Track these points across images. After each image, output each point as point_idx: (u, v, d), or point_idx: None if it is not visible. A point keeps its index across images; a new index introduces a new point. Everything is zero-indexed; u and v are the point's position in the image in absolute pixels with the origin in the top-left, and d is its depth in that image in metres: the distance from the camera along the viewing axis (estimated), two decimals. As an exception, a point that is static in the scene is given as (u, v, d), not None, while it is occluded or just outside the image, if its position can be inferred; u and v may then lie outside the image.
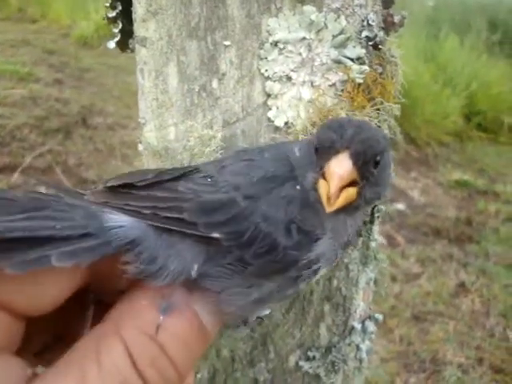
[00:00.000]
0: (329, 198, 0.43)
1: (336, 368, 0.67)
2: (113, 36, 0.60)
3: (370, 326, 0.68)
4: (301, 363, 0.66)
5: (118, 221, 0.42)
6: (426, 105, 4.46)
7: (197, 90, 0.56)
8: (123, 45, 0.61)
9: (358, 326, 0.66)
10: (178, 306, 0.42)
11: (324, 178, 0.44)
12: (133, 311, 0.41)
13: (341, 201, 0.43)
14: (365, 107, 0.53)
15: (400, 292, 2.84)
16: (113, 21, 0.59)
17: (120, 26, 0.58)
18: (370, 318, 0.69)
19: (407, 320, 2.60)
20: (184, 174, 0.47)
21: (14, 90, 4.53)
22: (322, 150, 0.45)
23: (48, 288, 0.39)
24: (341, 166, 0.43)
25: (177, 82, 0.57)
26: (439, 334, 2.53)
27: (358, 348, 0.67)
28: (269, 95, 0.56)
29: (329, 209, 0.43)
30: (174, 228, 0.42)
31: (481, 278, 2.96)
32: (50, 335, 0.47)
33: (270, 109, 0.56)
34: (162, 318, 0.40)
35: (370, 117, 0.53)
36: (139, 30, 0.56)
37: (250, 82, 0.56)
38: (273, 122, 0.56)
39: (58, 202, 0.41)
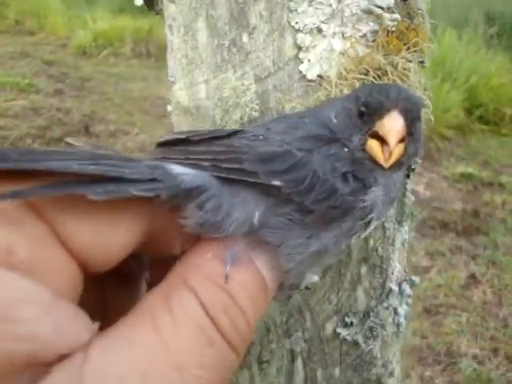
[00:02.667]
0: (384, 155, 0.46)
1: (374, 334, 0.65)
2: (140, -6, 0.59)
3: (407, 289, 0.66)
4: (338, 330, 0.65)
5: (182, 170, 0.42)
6: (427, 99, 4.46)
7: (227, 45, 0.55)
8: (150, 3, 0.59)
9: (396, 289, 0.65)
10: (242, 259, 0.41)
11: (374, 138, 0.47)
12: (198, 263, 0.41)
13: (395, 156, 0.46)
14: (400, 51, 0.53)
15: (411, 286, 2.83)
16: (140, -23, 0.58)
17: (148, -18, 0.57)
18: (406, 280, 0.67)
19: (419, 313, 2.59)
20: (233, 133, 0.49)
21: (15, 101, 4.57)
22: (370, 112, 0.47)
23: (118, 232, 0.38)
24: (395, 122, 0.45)
25: (206, 37, 0.55)
26: (452, 327, 2.52)
27: (395, 312, 0.66)
28: (300, 48, 0.55)
29: (386, 164, 0.46)
30: (236, 177, 0.43)
31: (491, 269, 2.96)
32: (99, 304, 0.46)
33: (302, 62, 0.55)
34: (228, 268, 0.40)
35: (409, 60, 0.53)
36: (167, -16, 0.55)
37: (281, 36, 0.55)
38: (305, 75, 0.55)
39: (119, 155, 0.41)
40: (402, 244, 0.65)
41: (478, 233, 3.34)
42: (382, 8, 0.53)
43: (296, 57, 0.56)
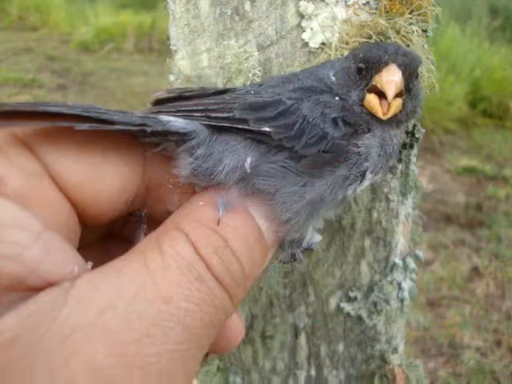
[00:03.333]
0: (383, 108, 0.46)
1: (378, 308, 0.65)
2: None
3: (411, 263, 0.66)
4: (342, 305, 0.64)
5: (173, 119, 0.43)
6: (430, 93, 4.45)
7: (229, 13, 0.55)
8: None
9: (400, 263, 0.64)
10: (235, 206, 0.42)
11: (372, 93, 0.47)
12: (191, 210, 0.41)
13: (394, 109, 0.46)
14: (403, 14, 0.52)
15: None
16: None
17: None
18: (410, 254, 0.67)
19: (423, 306, 2.58)
20: (226, 90, 0.50)
21: (18, 96, 4.58)
22: (368, 67, 0.48)
23: (108, 174, 0.39)
24: (394, 75, 0.45)
25: (208, 5, 0.55)
26: (455, 319, 2.52)
27: (399, 287, 0.65)
28: (302, 16, 0.55)
29: (384, 116, 0.46)
30: (226, 125, 0.44)
31: (494, 262, 2.94)
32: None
33: (304, 31, 0.55)
34: (221, 213, 0.40)
35: (412, 23, 0.52)
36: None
37: (283, 4, 0.55)
38: (307, 43, 0.55)
39: (110, 110, 0.42)
40: (406, 217, 0.64)
41: (481, 226, 3.32)
42: (384, -25, 0.53)
43: (299, 25, 0.56)
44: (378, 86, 0.46)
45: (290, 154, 0.44)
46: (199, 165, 0.43)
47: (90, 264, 0.37)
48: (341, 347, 0.66)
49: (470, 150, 4.44)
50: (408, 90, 0.47)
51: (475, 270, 2.93)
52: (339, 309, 0.65)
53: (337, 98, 0.48)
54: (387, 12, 0.52)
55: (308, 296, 0.64)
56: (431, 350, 2.39)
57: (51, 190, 0.36)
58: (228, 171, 0.43)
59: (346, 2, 0.54)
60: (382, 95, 0.46)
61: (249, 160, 0.43)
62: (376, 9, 0.54)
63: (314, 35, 0.54)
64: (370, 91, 0.47)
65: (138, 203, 0.44)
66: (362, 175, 0.47)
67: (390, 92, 0.45)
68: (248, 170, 0.43)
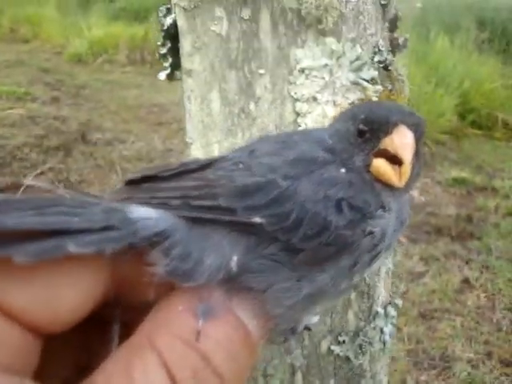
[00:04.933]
0: (396, 173, 0.41)
1: (363, 350, 0.75)
2: (164, 69, 0.69)
3: (392, 311, 0.76)
4: (332, 347, 0.74)
5: (143, 212, 0.36)
6: (420, 105, 4.52)
7: (236, 112, 0.66)
8: (171, 76, 0.70)
9: (381, 311, 0.75)
10: (218, 310, 0.35)
11: (380, 157, 0.42)
12: (167, 319, 0.35)
13: (407, 174, 0.41)
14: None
15: (406, 291, 2.82)
16: (163, 56, 0.68)
17: (170, 60, 0.67)
18: (390, 303, 0.77)
19: (415, 318, 2.63)
20: (211, 162, 0.43)
21: (11, 110, 4.54)
22: (373, 129, 0.43)
23: (65, 291, 0.33)
24: (406, 137, 0.41)
25: (219, 106, 0.66)
26: (447, 331, 2.56)
27: (381, 331, 0.76)
28: (298, 114, 0.65)
29: (400, 183, 0.41)
30: (210, 217, 0.37)
31: (484, 274, 3.00)
32: (72, 367, 0.40)
33: (300, 126, 0.65)
34: (201, 323, 0.34)
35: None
36: (186, 63, 0.65)
37: (282, 104, 0.66)
38: (303, 137, 0.66)
39: (73, 200, 0.36)
40: (387, 273, 0.75)
41: (472, 237, 3.37)
42: (366, 80, 0.64)
43: (295, 121, 0.66)
44: (390, 149, 0.41)
45: (284, 245, 0.38)
46: (176, 266, 0.36)
47: None
48: (332, 383, 0.77)
49: (460, 162, 4.46)
50: (416, 151, 0.42)
51: (466, 282, 2.94)
52: (330, 351, 0.74)
53: (342, 171, 0.42)
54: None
55: (303, 340, 0.74)
56: (424, 362, 2.40)
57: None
58: (210, 272, 0.36)
59: (334, 102, 0.64)
60: (391, 159, 0.41)
61: (235, 258, 0.37)
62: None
63: (308, 129, 0.66)
64: (377, 156, 0.42)
65: (109, 295, 0.37)
66: (375, 257, 0.42)
67: (407, 157, 0.40)
68: (234, 270, 0.37)
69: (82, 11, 7.79)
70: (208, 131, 0.67)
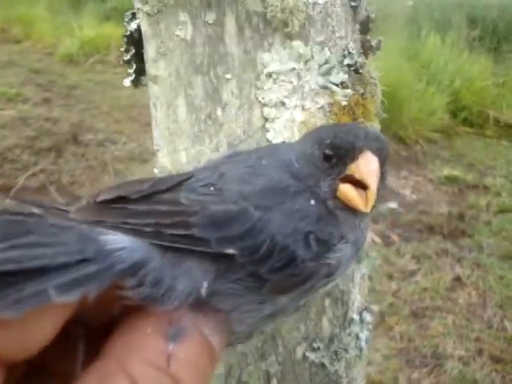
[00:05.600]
0: (362, 199, 0.43)
1: (339, 356, 0.74)
2: (128, 75, 0.68)
3: (367, 317, 0.75)
4: (307, 354, 0.73)
5: (118, 242, 0.36)
6: (412, 103, 4.53)
7: (203, 118, 0.64)
8: (136, 82, 0.69)
9: (357, 318, 0.74)
10: (187, 331, 0.37)
11: (346, 182, 0.44)
12: (137, 342, 0.35)
13: (372, 198, 0.43)
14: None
15: (398, 289, 2.84)
16: (127, 62, 0.67)
17: (134, 66, 0.66)
18: (366, 309, 0.76)
19: (406, 317, 2.64)
20: (181, 182, 0.43)
21: (2, 111, 4.54)
22: (340, 154, 0.44)
23: (37, 328, 0.32)
24: (372, 163, 0.43)
25: (185, 112, 0.65)
26: (438, 329, 2.57)
27: (357, 337, 0.75)
28: (266, 119, 0.64)
29: (366, 208, 0.43)
30: (183, 246, 0.38)
31: (476, 271, 3.02)
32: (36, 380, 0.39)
33: (268, 131, 0.64)
34: (171, 346, 0.35)
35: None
36: (151, 69, 0.64)
37: (250, 109, 0.64)
38: (271, 142, 0.65)
39: (42, 223, 0.35)
40: (362, 278, 0.74)
41: (464, 235, 3.38)
42: (336, 84, 0.63)
43: (263, 126, 0.65)
44: (356, 175, 0.43)
45: (252, 274, 0.39)
46: (149, 293, 0.36)
47: None
48: (308, 390, 0.76)
49: (452, 160, 4.48)
50: (381, 175, 0.44)
51: (458, 280, 2.95)
52: (305, 357, 0.73)
53: (312, 202, 0.43)
54: (338, 119, 0.62)
55: (277, 347, 0.73)
56: (415, 360, 2.42)
57: None
58: (181, 298, 0.37)
59: (303, 107, 0.63)
60: (358, 184, 0.43)
61: (205, 284, 0.38)
62: (329, 112, 0.64)
63: (276, 135, 0.63)
64: (343, 181, 0.44)
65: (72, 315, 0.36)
66: (330, 281, 0.44)
67: (373, 182, 0.42)
68: (204, 295, 0.38)
69: (74, 11, 7.76)
70: (175, 138, 0.65)
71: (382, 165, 0.44)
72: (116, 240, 0.36)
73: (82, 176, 3.82)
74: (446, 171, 4.21)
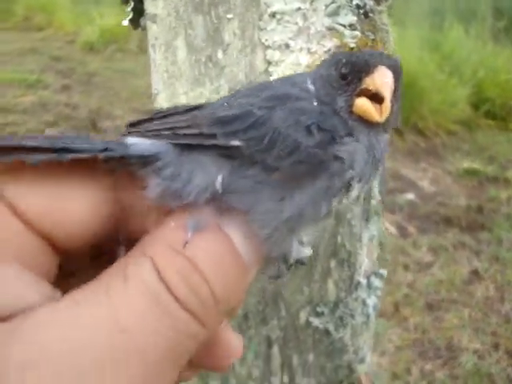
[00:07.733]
0: (377, 110, 0.44)
1: (344, 322, 0.70)
2: (126, 15, 0.65)
3: (376, 282, 0.71)
4: (311, 319, 0.70)
5: (137, 141, 0.42)
6: (433, 94, 4.46)
7: (203, 60, 0.61)
8: (135, 23, 0.65)
9: (364, 282, 0.70)
10: (207, 225, 0.40)
11: (362, 96, 0.45)
12: (160, 233, 0.39)
13: (388, 110, 0.44)
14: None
15: (413, 281, 2.81)
16: (125, 1, 0.64)
17: (132, 4, 0.63)
18: (375, 274, 0.72)
19: (421, 308, 2.62)
20: (200, 106, 0.47)
21: (23, 97, 4.63)
22: (356, 71, 0.46)
23: (72, 200, 0.38)
24: (386, 76, 0.44)
25: (185, 54, 0.61)
26: (454, 322, 2.54)
27: (364, 303, 0.71)
28: (270, 63, 0.60)
29: (380, 117, 0.44)
30: (194, 142, 0.42)
31: (494, 265, 2.97)
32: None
33: (271, 75, 0.60)
34: (190, 235, 0.38)
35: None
36: (149, 7, 0.61)
37: (252, 51, 0.61)
38: (275, 86, 0.61)
39: (79, 137, 0.41)
40: (370, 240, 0.70)
41: (482, 228, 3.33)
42: (343, 26, 0.58)
43: (266, 70, 0.61)
44: (371, 88, 0.44)
45: (264, 167, 0.41)
46: (167, 186, 0.41)
47: (58, 294, 0.36)
48: (311, 357, 0.72)
49: (472, 152, 4.42)
50: (394, 92, 0.45)
51: (475, 273, 2.92)
52: (308, 322, 0.71)
53: (315, 104, 0.45)
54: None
55: (279, 311, 0.70)
56: (429, 352, 2.39)
57: (12, 224, 0.35)
58: (198, 191, 0.40)
59: (309, 50, 0.59)
60: (373, 98, 0.44)
61: (220, 178, 0.41)
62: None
63: (280, 79, 0.60)
64: (359, 95, 0.45)
65: (115, 226, 0.42)
66: (348, 185, 0.44)
67: (387, 93, 0.43)
68: (219, 189, 0.41)
69: (94, 0, 7.87)
70: (174, 81, 0.62)
71: (396, 81, 0.45)
72: (137, 139, 0.42)
73: (99, 161, 3.89)
74: (466, 164, 4.15)
